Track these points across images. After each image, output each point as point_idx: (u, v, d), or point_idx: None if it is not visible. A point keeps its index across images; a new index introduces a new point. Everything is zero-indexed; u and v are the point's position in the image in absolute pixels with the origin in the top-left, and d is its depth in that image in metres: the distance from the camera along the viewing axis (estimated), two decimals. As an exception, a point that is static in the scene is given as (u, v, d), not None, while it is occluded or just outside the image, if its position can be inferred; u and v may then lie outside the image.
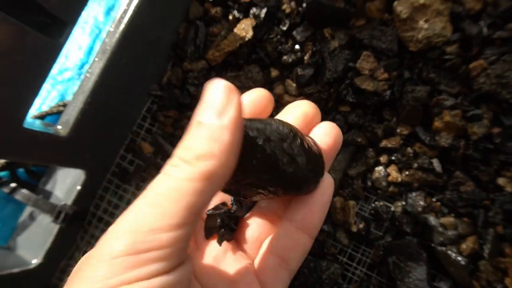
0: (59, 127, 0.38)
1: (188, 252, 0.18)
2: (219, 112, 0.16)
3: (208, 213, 0.24)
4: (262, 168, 0.19)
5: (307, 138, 0.22)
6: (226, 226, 0.23)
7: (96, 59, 0.39)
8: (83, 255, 0.16)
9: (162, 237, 0.15)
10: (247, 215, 0.25)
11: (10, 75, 0.31)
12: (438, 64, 0.40)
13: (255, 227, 0.24)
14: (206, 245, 0.23)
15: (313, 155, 0.21)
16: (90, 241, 0.46)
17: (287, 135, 0.20)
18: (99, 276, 0.15)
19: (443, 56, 0.40)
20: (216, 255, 0.23)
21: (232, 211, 0.24)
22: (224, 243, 0.24)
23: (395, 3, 0.39)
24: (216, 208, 0.24)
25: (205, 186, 0.16)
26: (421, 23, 0.39)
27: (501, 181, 0.38)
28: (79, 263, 0.16)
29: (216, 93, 0.17)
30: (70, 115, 0.39)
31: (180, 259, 0.17)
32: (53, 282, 0.45)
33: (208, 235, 0.24)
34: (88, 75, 0.39)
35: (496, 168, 0.38)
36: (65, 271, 0.46)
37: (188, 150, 0.16)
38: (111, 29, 0.39)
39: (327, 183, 0.22)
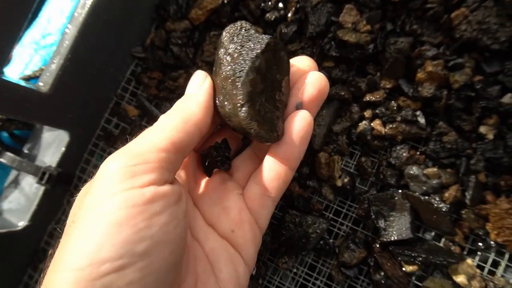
0: (40, 83, 0.38)
1: (180, 182, 0.23)
2: (197, 85, 0.26)
3: (202, 153, 0.29)
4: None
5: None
6: (221, 159, 0.28)
7: (75, 14, 0.38)
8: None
9: (149, 155, 0.21)
10: (242, 154, 0.31)
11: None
12: (421, 15, 0.40)
13: (247, 163, 0.30)
14: (204, 180, 0.28)
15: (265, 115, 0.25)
16: (77, 204, 0.46)
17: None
18: (109, 183, 0.20)
19: (425, 6, 0.39)
20: (213, 186, 0.28)
21: (220, 150, 0.28)
22: (219, 177, 0.29)
23: (376, -48, 0.39)
24: (206, 149, 0.28)
25: (181, 126, 0.23)
26: (403, -29, 0.38)
27: (483, 129, 0.38)
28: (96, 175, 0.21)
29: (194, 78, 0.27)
30: (51, 72, 0.38)
31: (168, 176, 0.22)
32: (41, 246, 0.45)
33: (208, 171, 0.28)
34: (67, 30, 0.39)
35: (478, 116, 0.38)
36: (53, 235, 0.46)
37: (173, 105, 0.25)
38: (89, -16, 0.38)
39: (302, 119, 0.26)
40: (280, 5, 0.45)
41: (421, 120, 0.40)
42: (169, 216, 0.20)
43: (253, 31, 0.26)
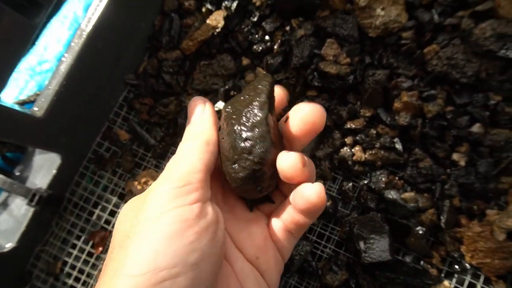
0: (35, 108, 0.40)
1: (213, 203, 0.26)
2: (200, 110, 0.27)
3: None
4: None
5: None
6: (266, 196, 0.29)
7: (72, 44, 0.41)
8: None
9: (191, 177, 0.24)
10: None
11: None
12: (396, 50, 0.43)
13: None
14: (233, 205, 0.29)
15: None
16: (65, 227, 0.46)
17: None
18: (161, 203, 0.22)
19: (400, 41, 0.42)
20: (241, 212, 0.29)
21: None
22: (245, 205, 0.30)
23: (354, -8, 0.42)
24: None
25: (205, 148, 0.25)
26: (378, 10, 0.42)
27: (455, 156, 0.41)
28: (145, 192, 0.25)
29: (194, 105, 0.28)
30: (46, 97, 0.40)
31: (208, 195, 0.24)
32: (27, 268, 0.46)
33: (252, 205, 0.29)
34: (64, 59, 0.41)
35: (450, 143, 0.41)
36: (40, 257, 0.46)
37: (186, 133, 0.27)
38: (87, 16, 0.41)
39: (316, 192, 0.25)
40: (267, 37, 0.48)
41: (399, 146, 0.43)
42: (214, 231, 0.23)
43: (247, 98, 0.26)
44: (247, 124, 0.25)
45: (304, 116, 0.25)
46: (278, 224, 0.28)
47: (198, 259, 0.21)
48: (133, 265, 0.20)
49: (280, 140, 0.27)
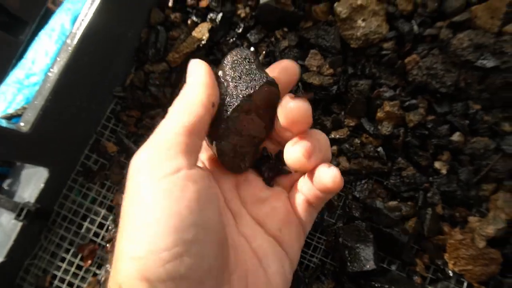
0: (21, 123, 0.40)
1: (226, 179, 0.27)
2: (194, 70, 0.26)
3: (257, 163, 0.30)
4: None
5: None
6: (282, 168, 0.30)
7: (58, 58, 0.41)
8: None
9: (168, 142, 0.22)
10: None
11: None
12: (378, 60, 0.44)
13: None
14: (252, 181, 0.29)
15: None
16: (54, 240, 0.47)
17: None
18: (142, 178, 0.22)
19: (381, 52, 0.43)
20: (261, 188, 0.29)
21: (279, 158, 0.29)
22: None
23: (336, 4, 0.43)
24: (259, 158, 0.30)
25: (188, 109, 0.24)
26: (359, 22, 0.43)
27: (437, 164, 0.41)
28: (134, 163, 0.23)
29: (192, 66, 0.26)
30: (32, 112, 0.40)
31: (191, 160, 0.23)
32: (16, 282, 0.46)
33: (269, 178, 0.30)
34: (50, 74, 0.41)
35: (432, 152, 0.41)
36: (29, 271, 0.46)
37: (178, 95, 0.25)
38: (72, 31, 0.41)
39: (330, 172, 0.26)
40: (252, 49, 0.48)
41: (382, 156, 0.43)
42: (206, 201, 0.22)
43: (254, 65, 0.27)
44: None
45: (288, 114, 0.25)
46: (299, 197, 0.28)
47: (196, 235, 0.21)
48: (134, 248, 0.20)
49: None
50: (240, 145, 0.28)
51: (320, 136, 0.27)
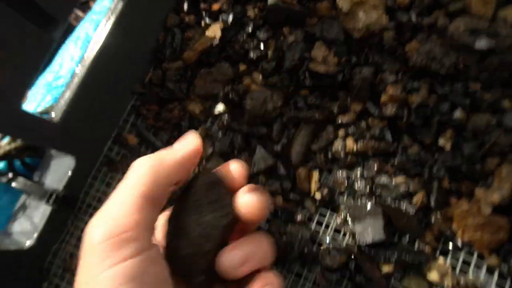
0: (53, 115, 0.44)
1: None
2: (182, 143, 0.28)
3: None
4: None
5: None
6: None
7: (84, 57, 0.45)
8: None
9: (128, 220, 0.22)
10: None
11: (12, 62, 0.37)
12: (380, 49, 0.47)
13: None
14: None
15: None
16: (79, 226, 0.49)
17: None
18: (93, 263, 0.22)
19: (383, 41, 0.46)
20: None
21: None
22: None
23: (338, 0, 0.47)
24: None
25: (149, 178, 0.24)
26: (361, 14, 0.46)
27: (441, 141, 0.44)
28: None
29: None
30: (62, 105, 0.44)
31: (147, 241, 0.23)
32: (45, 266, 0.48)
33: None
34: (77, 71, 0.45)
35: (435, 130, 0.44)
36: (57, 255, 0.49)
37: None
38: (95, 37, 0.46)
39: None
40: (261, 45, 0.52)
41: (388, 136, 0.46)
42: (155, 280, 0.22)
43: (223, 190, 0.27)
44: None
45: (247, 211, 0.26)
46: None
47: None
48: None
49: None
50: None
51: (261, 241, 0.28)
